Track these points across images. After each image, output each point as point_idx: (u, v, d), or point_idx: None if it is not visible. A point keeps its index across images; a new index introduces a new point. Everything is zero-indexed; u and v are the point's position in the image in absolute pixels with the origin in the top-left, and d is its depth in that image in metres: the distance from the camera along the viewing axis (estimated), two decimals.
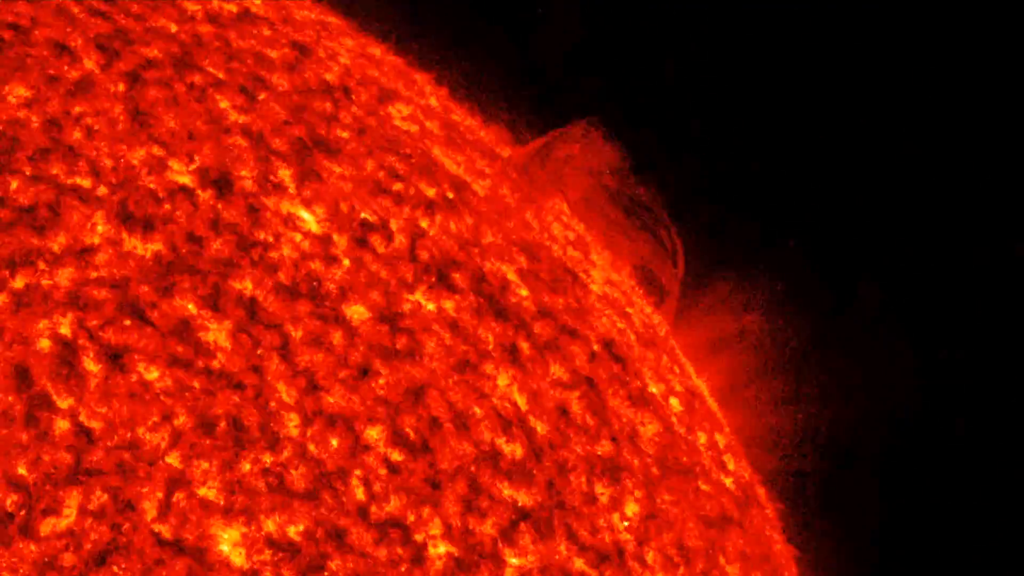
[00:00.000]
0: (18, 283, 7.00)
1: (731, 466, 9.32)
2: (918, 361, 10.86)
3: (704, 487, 8.72)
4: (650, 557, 7.95)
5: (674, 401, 9.00)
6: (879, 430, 10.79)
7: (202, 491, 6.77)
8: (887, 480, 10.75)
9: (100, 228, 7.23)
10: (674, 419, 8.84)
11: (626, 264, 9.85)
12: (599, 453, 7.95)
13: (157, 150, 7.57)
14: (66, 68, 7.79)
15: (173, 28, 8.41)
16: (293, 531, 6.84)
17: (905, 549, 10.76)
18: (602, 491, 7.85)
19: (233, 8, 8.77)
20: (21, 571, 6.48)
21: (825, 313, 10.86)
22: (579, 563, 7.55)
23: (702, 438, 9.07)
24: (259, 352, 7.13)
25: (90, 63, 7.87)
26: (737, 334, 10.84)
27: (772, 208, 10.98)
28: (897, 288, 10.89)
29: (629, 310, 9.33)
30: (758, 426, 10.39)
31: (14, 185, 7.23)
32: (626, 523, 7.89)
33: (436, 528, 7.16)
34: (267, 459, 6.93)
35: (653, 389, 8.83)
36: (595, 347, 8.43)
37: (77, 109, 7.65)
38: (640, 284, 9.94)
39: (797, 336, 10.98)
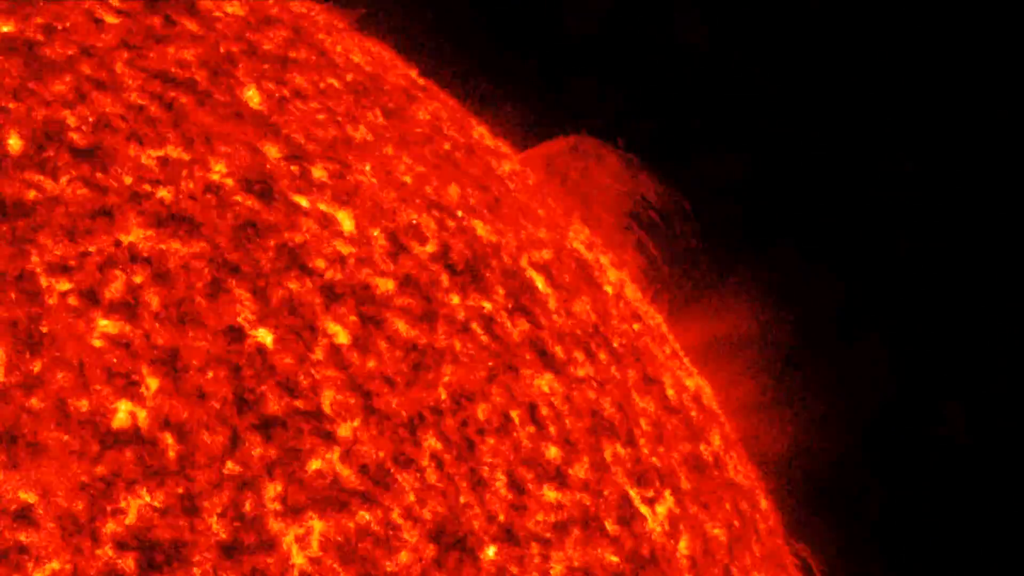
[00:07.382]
0: (66, 286, 6.98)
1: (740, 466, 9.44)
2: (913, 360, 11.03)
3: (721, 486, 8.83)
4: (680, 557, 8.04)
5: (688, 401, 9.11)
6: (876, 430, 10.94)
7: (261, 491, 6.78)
8: (886, 480, 10.90)
9: (144, 229, 7.22)
10: (691, 419, 8.94)
11: (630, 266, 9.94)
12: (631, 454, 8.03)
13: (196, 150, 7.56)
14: (99, 69, 7.76)
15: (195, 29, 8.40)
16: (350, 531, 6.86)
17: (904, 549, 10.92)
18: (635, 491, 7.92)
19: (250, 10, 8.77)
20: (87, 574, 6.47)
21: (819, 314, 11.00)
22: (618, 563, 7.62)
23: (715, 438, 9.18)
24: (307, 354, 7.15)
25: (121, 64, 7.85)
26: (733, 335, 10.95)
27: (768, 209, 11.11)
28: (890, 287, 11.05)
29: (639, 310, 9.43)
30: (754, 427, 10.51)
31: (55, 187, 7.20)
32: (659, 522, 7.97)
33: (482, 529, 7.21)
34: (320, 460, 6.95)
35: (670, 390, 8.93)
36: (618, 347, 8.52)
37: (111, 108, 7.62)
38: (642, 287, 10.04)
39: (792, 337, 11.12)
